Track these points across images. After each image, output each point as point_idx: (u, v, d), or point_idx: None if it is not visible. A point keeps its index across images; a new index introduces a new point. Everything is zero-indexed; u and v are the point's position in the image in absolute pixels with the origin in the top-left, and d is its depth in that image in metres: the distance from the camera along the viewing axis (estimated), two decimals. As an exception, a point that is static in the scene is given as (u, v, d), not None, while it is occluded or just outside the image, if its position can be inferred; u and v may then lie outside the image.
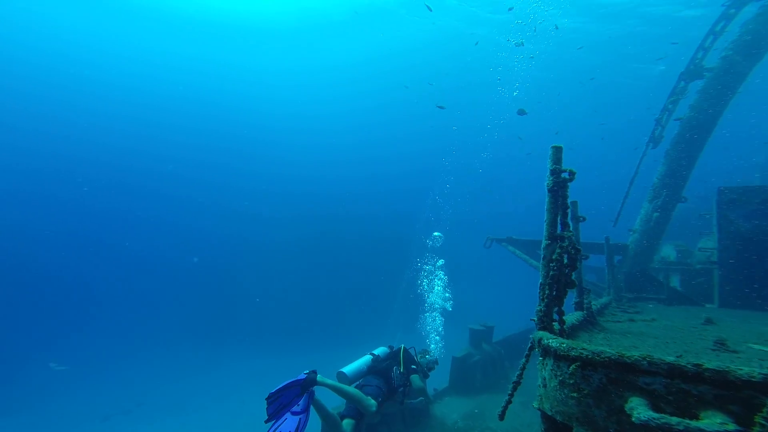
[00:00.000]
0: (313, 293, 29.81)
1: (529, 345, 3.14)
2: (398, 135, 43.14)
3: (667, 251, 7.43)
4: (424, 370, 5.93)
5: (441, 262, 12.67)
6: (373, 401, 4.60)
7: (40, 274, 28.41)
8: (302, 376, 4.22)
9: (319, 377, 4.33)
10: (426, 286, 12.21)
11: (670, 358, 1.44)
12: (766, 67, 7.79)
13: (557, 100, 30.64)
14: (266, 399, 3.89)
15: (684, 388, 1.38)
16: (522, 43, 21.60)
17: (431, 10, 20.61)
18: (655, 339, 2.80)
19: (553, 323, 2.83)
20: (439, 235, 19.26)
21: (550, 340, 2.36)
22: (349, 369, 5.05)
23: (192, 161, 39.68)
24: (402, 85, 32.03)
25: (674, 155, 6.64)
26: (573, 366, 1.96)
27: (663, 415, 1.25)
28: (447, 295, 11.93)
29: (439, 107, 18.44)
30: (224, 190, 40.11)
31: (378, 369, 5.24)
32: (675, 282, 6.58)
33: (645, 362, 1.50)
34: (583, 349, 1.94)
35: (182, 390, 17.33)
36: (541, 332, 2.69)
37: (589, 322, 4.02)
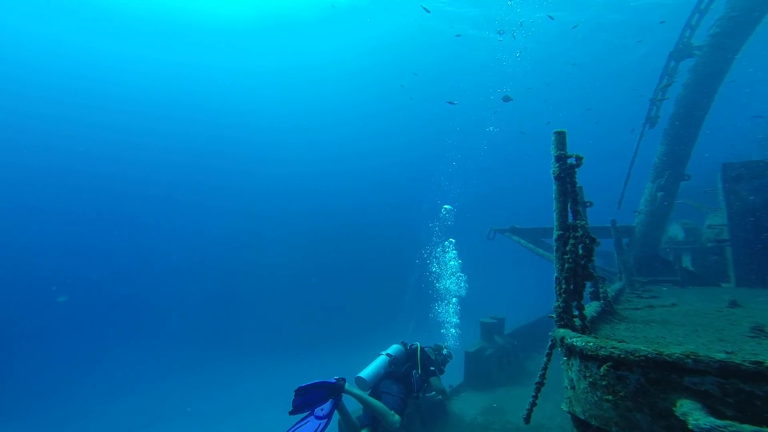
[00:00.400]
0: (321, 292, 29.59)
1: (550, 343, 2.98)
2: (394, 125, 42.56)
3: (675, 230, 7.30)
4: (440, 368, 5.83)
5: (452, 241, 12.07)
6: (397, 417, 4.51)
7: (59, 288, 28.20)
8: (332, 380, 4.23)
9: (347, 386, 4.34)
10: (438, 270, 11.72)
11: (721, 355, 1.28)
12: (757, 44, 7.72)
13: (546, 90, 30.63)
14: (295, 391, 3.93)
15: (744, 388, 1.22)
16: (514, 36, 21.53)
17: (429, 11, 20.48)
18: (682, 327, 2.65)
19: (574, 319, 2.69)
20: (449, 208, 18.50)
21: (574, 339, 2.21)
22: (367, 374, 4.89)
23: (189, 169, 39.48)
24: (390, 75, 31.79)
25: (673, 134, 6.53)
26: (604, 367, 1.80)
27: (731, 422, 1.08)
28: (461, 275, 11.41)
29: (450, 103, 18.24)
30: (229, 195, 39.97)
31: (398, 374, 5.08)
32: (686, 262, 6.45)
33: (690, 360, 1.34)
34: (614, 347, 1.79)
35: (201, 400, 17.23)
36: (562, 330, 2.53)
37: (608, 312, 3.87)
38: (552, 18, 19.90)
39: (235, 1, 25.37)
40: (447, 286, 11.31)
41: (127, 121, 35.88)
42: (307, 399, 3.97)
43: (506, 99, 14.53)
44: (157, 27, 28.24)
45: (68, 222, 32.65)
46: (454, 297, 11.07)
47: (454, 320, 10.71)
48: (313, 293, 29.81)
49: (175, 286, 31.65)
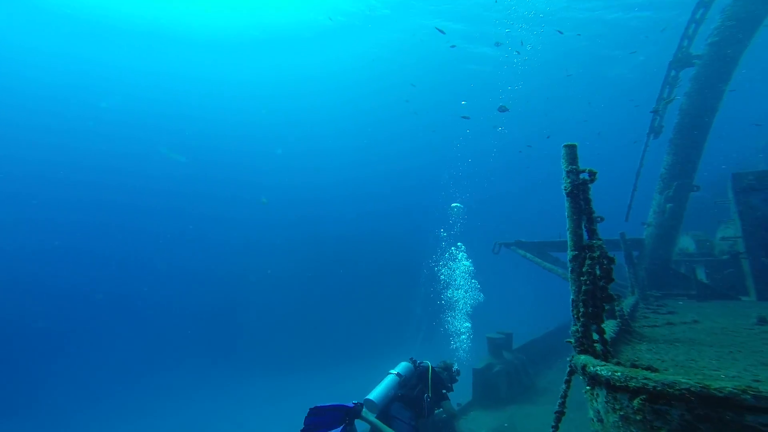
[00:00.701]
0: (327, 302, 29.07)
1: (569, 370, 2.82)
2: (398, 133, 42.35)
3: (686, 243, 7.13)
4: (449, 387, 5.62)
5: (461, 246, 11.57)
6: None
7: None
8: (350, 404, 4.20)
9: (363, 411, 4.30)
10: (445, 278, 11.25)
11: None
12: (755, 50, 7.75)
13: (545, 103, 30.88)
14: (310, 409, 3.97)
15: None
16: (518, 52, 21.64)
17: (444, 33, 20.81)
18: (711, 348, 2.48)
19: (594, 344, 2.54)
20: (458, 206, 18.02)
21: (599, 368, 2.05)
22: (376, 396, 4.70)
23: (198, 181, 39.62)
24: (391, 85, 32.02)
25: (679, 144, 6.47)
26: (638, 400, 1.65)
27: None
28: (474, 282, 10.92)
29: (464, 117, 18.17)
30: (234, 206, 40.00)
31: (409, 397, 4.88)
32: (700, 275, 6.27)
33: (749, 397, 1.19)
34: (647, 378, 1.64)
35: (204, 418, 16.85)
36: (583, 357, 2.38)
37: (626, 331, 3.70)
38: (561, 33, 20.00)
39: (239, 18, 26.17)
40: (456, 292, 10.90)
41: (130, 130, 36.37)
42: (320, 420, 3.94)
43: (502, 109, 14.47)
44: (170, 42, 29.10)
45: (71, 232, 32.64)
46: (464, 301, 10.68)
47: (467, 324, 10.30)
48: (318, 304, 29.30)
49: (175, 303, 31.17)
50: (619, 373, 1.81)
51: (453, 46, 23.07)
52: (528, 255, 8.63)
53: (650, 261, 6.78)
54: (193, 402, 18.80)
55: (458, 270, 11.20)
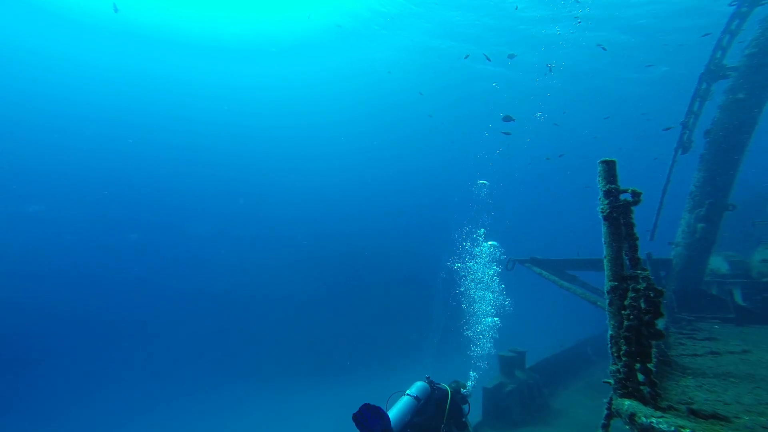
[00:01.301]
0: (336, 311, 28.52)
1: (606, 413, 2.55)
2: (414, 135, 42.18)
3: (717, 263, 6.74)
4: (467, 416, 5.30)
5: (488, 241, 10.58)
6: None
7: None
8: (390, 426, 4.09)
9: None
10: (468, 281, 10.37)
11: None
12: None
13: (562, 119, 30.25)
14: (371, 405, 3.95)
15: None
16: (550, 69, 21.45)
17: (490, 60, 20.84)
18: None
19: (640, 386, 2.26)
20: (485, 183, 17.25)
21: (655, 420, 1.79)
22: (392, 420, 4.39)
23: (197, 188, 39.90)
24: (407, 87, 31.97)
25: (712, 160, 6.13)
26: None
27: None
28: (502, 287, 10.09)
29: (505, 133, 17.95)
30: (242, 205, 40.14)
31: (426, 428, 4.61)
32: (736, 297, 5.89)
33: None
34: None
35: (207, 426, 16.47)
36: (628, 403, 2.11)
37: (664, 362, 3.38)
38: (605, 49, 19.47)
39: (251, 24, 26.95)
40: (481, 284, 10.05)
41: (139, 134, 37.17)
42: (368, 416, 3.86)
43: (507, 119, 13.84)
44: (190, 48, 30.07)
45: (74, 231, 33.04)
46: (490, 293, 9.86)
47: (488, 320, 9.53)
48: (326, 309, 28.80)
49: (179, 305, 30.99)
50: (688, 430, 1.53)
51: (467, 57, 23.06)
52: (544, 273, 8.31)
53: (679, 282, 6.41)
54: (197, 407, 18.64)
55: (483, 251, 10.16)
